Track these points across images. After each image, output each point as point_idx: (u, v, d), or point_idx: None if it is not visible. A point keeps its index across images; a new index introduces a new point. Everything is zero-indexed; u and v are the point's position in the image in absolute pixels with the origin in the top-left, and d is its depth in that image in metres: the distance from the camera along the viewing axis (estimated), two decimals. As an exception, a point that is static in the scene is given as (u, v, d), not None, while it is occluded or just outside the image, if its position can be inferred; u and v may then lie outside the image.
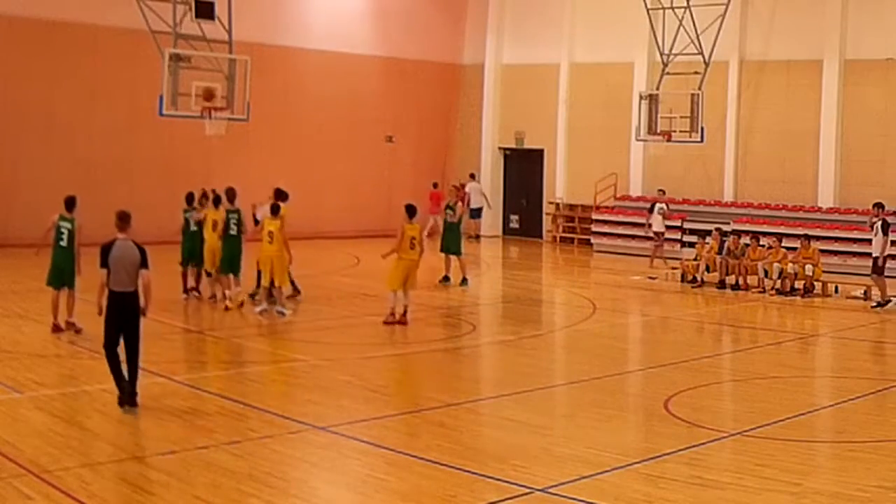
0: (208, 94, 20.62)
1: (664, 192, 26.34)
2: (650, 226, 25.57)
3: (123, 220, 10.54)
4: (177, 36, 20.94)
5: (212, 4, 21.18)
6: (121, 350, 10.43)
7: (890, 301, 19.07)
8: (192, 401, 10.95)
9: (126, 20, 22.72)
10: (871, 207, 20.02)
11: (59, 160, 25.16)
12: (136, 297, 10.41)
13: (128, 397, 10.34)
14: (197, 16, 21.01)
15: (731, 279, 21.73)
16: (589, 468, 8.75)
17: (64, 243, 13.97)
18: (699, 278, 22.09)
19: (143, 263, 10.39)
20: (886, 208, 20.07)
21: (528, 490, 8.12)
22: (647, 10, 27.01)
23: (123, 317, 10.33)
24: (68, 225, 14.03)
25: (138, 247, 10.46)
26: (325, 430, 9.91)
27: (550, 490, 8.13)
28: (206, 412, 10.49)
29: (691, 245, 25.03)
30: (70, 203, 14.17)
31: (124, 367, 10.43)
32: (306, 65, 29.99)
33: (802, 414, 11.03)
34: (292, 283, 17.94)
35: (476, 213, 30.86)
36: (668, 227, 27.92)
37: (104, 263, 10.33)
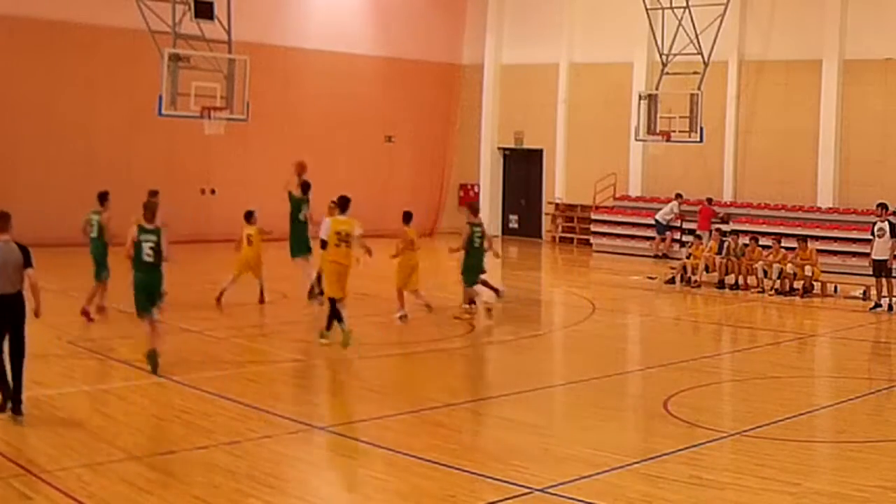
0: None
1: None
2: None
3: (3, 219, 9.87)
4: (176, 36, 20.95)
5: (211, 4, 21.20)
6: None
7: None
8: (191, 401, 10.94)
9: (126, 20, 22.73)
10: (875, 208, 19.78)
11: (58, 160, 25.18)
12: (20, 298, 9.85)
13: (13, 404, 9.84)
14: (196, 16, 21.03)
15: (730, 279, 21.75)
16: (589, 468, 8.74)
17: None
18: (676, 279, 22.09)
19: (27, 263, 9.83)
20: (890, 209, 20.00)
21: (527, 490, 8.12)
22: (647, 10, 27.02)
23: (6, 319, 9.77)
24: None
25: (20, 247, 9.85)
26: (324, 430, 9.91)
27: (550, 490, 8.13)
28: (205, 412, 10.48)
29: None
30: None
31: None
32: (306, 65, 29.98)
33: (802, 414, 11.03)
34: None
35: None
36: (672, 228, 27.95)
37: None
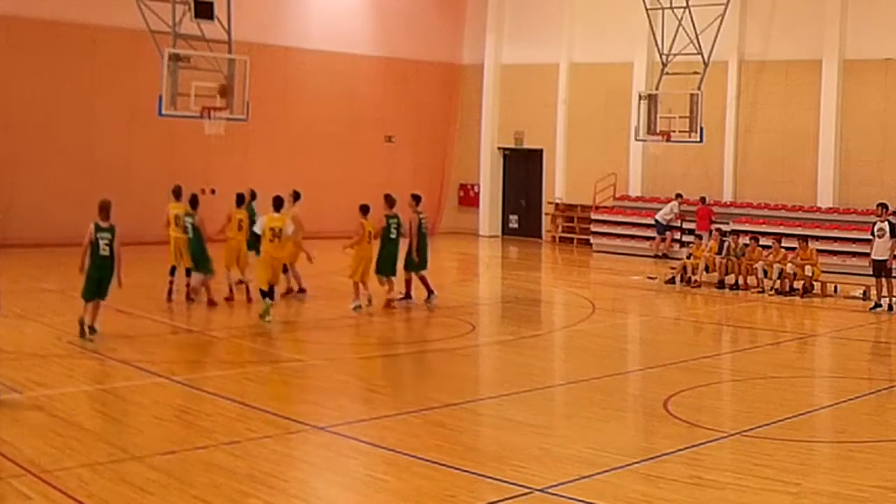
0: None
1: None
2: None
3: None
4: (176, 36, 20.95)
5: (211, 4, 21.19)
6: None
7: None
8: (191, 401, 10.94)
9: (126, 20, 22.73)
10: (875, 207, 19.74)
11: (58, 160, 25.19)
12: None
13: None
14: (196, 16, 21.02)
15: (730, 279, 21.74)
16: (589, 468, 8.74)
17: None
18: (676, 279, 22.10)
19: None
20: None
21: (527, 490, 8.12)
22: (647, 10, 27.03)
23: None
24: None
25: None
26: (324, 430, 9.91)
27: (550, 490, 8.13)
28: (205, 412, 10.48)
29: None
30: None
31: None
32: (306, 65, 29.97)
33: (802, 414, 11.03)
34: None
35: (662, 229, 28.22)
36: (672, 228, 27.94)
37: None
